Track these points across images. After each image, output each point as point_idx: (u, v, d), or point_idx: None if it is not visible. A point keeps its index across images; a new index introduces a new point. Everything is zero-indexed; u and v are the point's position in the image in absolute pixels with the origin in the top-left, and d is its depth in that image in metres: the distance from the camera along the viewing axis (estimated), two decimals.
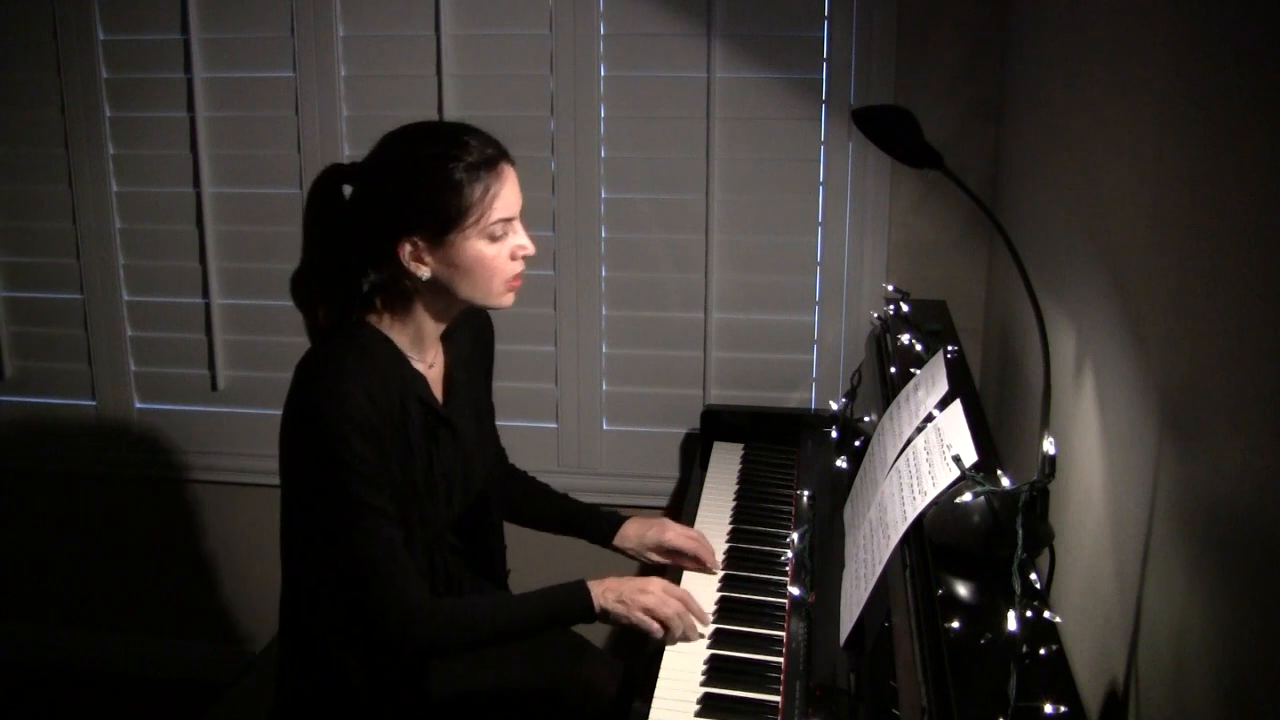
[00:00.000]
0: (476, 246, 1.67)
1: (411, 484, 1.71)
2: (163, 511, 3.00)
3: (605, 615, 1.73)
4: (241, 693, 2.04)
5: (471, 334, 1.91)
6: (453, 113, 2.62)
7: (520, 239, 1.72)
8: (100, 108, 2.77)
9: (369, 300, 1.73)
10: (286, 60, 2.68)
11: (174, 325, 2.87)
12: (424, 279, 1.69)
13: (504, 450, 2.11)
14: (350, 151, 2.68)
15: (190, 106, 2.73)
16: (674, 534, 1.98)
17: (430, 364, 1.79)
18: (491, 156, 1.68)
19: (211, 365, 2.86)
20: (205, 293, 2.82)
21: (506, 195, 1.69)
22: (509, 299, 1.75)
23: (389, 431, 1.66)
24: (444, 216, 1.65)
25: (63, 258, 2.87)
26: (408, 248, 1.66)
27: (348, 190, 1.74)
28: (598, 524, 2.04)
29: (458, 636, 1.69)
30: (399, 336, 1.74)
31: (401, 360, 1.73)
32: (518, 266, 1.73)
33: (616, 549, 2.04)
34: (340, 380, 1.63)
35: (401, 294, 1.72)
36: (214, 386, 2.87)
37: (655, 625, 1.73)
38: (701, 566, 1.96)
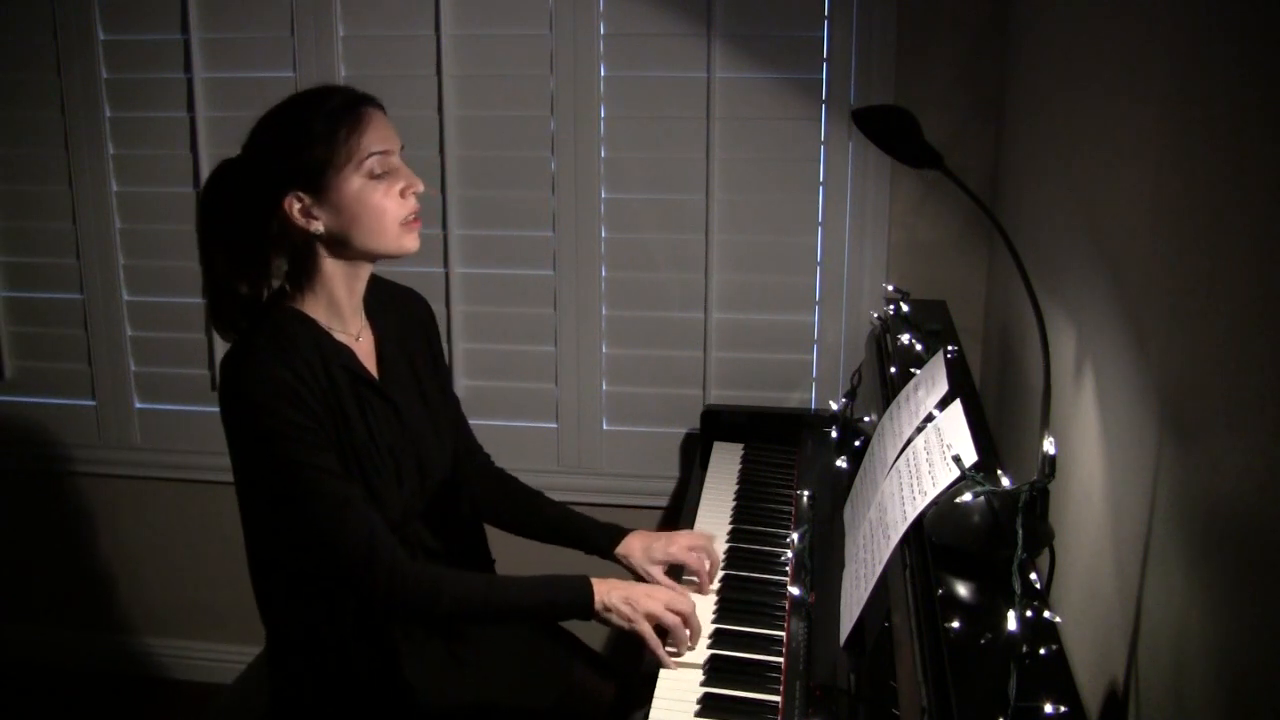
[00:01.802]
0: (356, 185, 1.67)
1: (354, 455, 1.71)
2: (162, 511, 3.00)
3: (605, 614, 1.70)
4: (241, 693, 2.04)
5: (399, 313, 1.91)
6: (452, 113, 2.63)
7: (406, 177, 1.72)
8: (100, 108, 2.77)
9: (280, 291, 1.76)
10: (286, 60, 2.68)
11: (174, 325, 2.87)
12: (318, 234, 1.69)
13: (482, 448, 2.08)
14: None
15: (190, 106, 2.73)
16: (679, 548, 1.92)
17: (356, 336, 1.79)
18: (351, 102, 1.70)
19: (212, 365, 2.86)
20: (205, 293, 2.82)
21: (374, 132, 1.69)
22: (410, 240, 1.73)
23: (317, 398, 1.67)
24: (316, 162, 1.66)
25: (63, 258, 2.87)
26: (295, 205, 1.68)
27: None
28: (598, 534, 1.98)
29: (447, 603, 1.67)
30: (315, 311, 1.75)
31: (320, 332, 1.73)
32: (410, 204, 1.72)
33: (618, 559, 1.95)
34: (257, 359, 1.66)
35: (307, 268, 1.74)
36: (214, 386, 2.87)
37: (654, 638, 1.69)
38: (696, 587, 1.91)
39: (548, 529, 2.02)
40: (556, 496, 2.07)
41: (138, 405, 2.93)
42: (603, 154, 2.61)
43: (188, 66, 2.71)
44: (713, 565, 1.94)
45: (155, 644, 3.09)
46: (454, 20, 2.61)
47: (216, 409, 2.81)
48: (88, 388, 2.94)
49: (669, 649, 1.72)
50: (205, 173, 2.74)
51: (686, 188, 2.60)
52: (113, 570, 3.07)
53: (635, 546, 1.94)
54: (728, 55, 2.53)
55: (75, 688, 3.06)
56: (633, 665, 1.79)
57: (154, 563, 3.04)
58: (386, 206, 1.69)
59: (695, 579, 1.93)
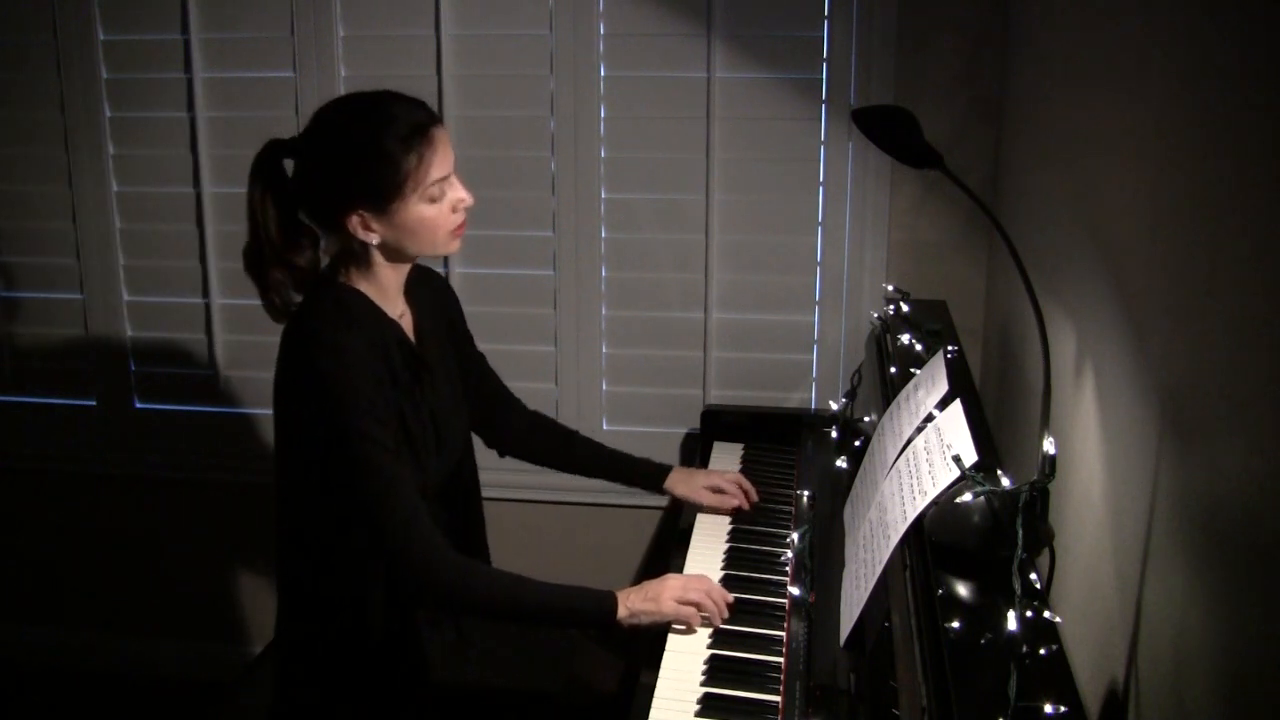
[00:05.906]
0: (418, 210, 1.74)
1: (405, 425, 1.76)
2: (163, 511, 3.00)
3: (633, 620, 1.74)
4: (241, 693, 2.04)
5: (427, 290, 1.97)
6: (452, 113, 2.63)
7: (458, 193, 1.79)
8: (100, 108, 2.77)
9: (331, 267, 1.82)
10: (286, 60, 2.68)
11: (174, 325, 2.87)
12: (374, 244, 1.76)
13: (517, 399, 2.18)
14: None
15: (190, 106, 2.73)
16: (719, 478, 2.16)
17: (400, 314, 1.86)
18: (420, 123, 1.73)
19: (212, 365, 2.86)
20: (205, 293, 2.82)
21: (439, 157, 1.75)
22: (455, 245, 1.83)
23: (380, 367, 1.73)
24: (383, 189, 1.72)
25: (63, 258, 2.87)
26: (355, 220, 1.74)
27: (289, 164, 1.80)
28: (646, 470, 2.17)
29: (475, 595, 1.71)
30: (367, 289, 1.81)
31: (376, 309, 1.80)
32: (459, 217, 1.80)
33: (667, 492, 2.15)
34: (327, 329, 1.71)
35: (358, 257, 1.80)
36: (214, 386, 2.87)
37: (691, 611, 1.76)
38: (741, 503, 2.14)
39: (599, 465, 2.20)
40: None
41: (138, 405, 2.92)
42: (603, 154, 2.61)
43: (188, 66, 2.71)
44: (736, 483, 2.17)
45: (155, 644, 3.09)
46: (454, 20, 2.61)
47: (216, 409, 2.85)
48: (88, 388, 2.94)
49: (704, 624, 1.79)
50: (205, 173, 2.75)
51: (686, 188, 2.60)
52: (113, 570, 3.06)
53: (680, 481, 2.16)
54: (728, 55, 2.53)
55: (75, 688, 3.06)
56: (635, 654, 1.81)
57: (154, 562, 3.04)
58: (439, 222, 1.77)
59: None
